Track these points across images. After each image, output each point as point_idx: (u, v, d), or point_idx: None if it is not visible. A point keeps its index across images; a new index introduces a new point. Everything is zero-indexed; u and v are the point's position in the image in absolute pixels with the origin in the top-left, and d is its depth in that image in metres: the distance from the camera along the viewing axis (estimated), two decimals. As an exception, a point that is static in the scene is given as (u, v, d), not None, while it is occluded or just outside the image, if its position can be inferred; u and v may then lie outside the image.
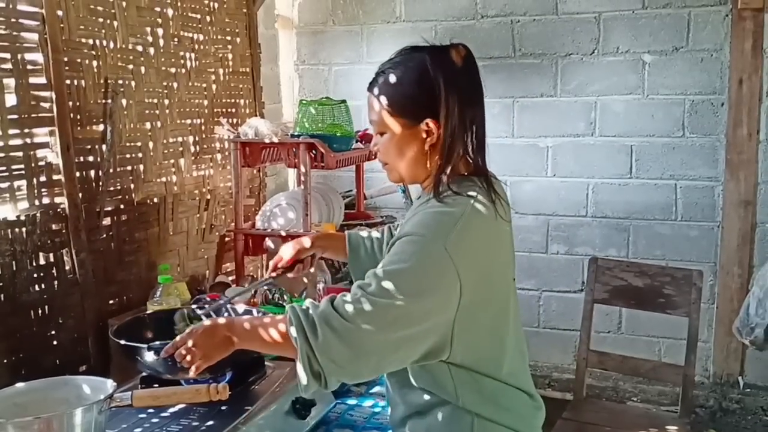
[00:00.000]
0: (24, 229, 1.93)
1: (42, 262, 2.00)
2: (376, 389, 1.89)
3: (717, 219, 3.27)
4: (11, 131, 1.89)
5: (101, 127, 2.20)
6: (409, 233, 1.24)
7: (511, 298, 1.36)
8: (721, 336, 3.25)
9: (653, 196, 3.34)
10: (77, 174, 2.09)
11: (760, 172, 3.17)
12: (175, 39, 2.53)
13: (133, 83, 2.33)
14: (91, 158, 2.17)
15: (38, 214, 1.97)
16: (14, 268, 1.90)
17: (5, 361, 1.87)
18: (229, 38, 2.87)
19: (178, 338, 1.32)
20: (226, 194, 2.85)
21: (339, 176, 3.58)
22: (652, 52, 3.26)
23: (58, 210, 2.04)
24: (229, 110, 2.89)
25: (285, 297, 2.23)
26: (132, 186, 2.35)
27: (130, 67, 2.32)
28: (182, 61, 2.57)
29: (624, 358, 2.60)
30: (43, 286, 1.99)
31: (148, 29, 2.40)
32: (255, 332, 1.27)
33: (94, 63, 2.17)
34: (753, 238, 3.19)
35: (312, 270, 2.24)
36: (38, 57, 1.96)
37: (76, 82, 2.10)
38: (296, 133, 2.60)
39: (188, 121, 2.64)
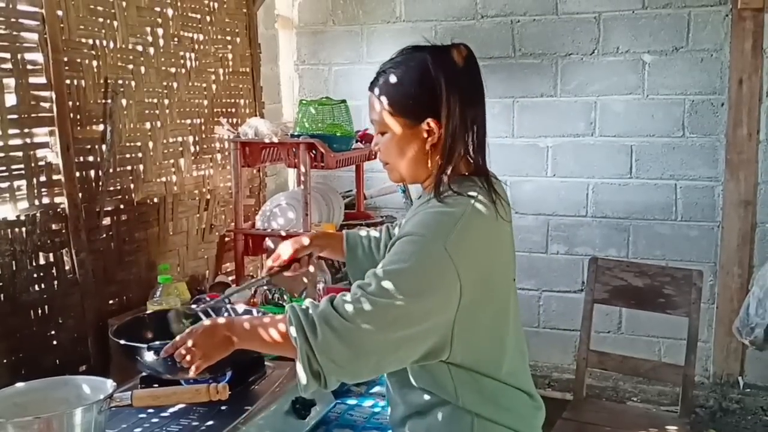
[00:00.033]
0: (24, 229, 1.93)
1: (42, 261, 2.00)
2: (376, 389, 1.89)
3: (717, 219, 3.27)
4: (11, 131, 1.90)
5: (101, 127, 2.20)
6: (410, 233, 1.24)
7: (511, 298, 1.36)
8: (721, 336, 3.25)
9: (653, 196, 3.34)
10: (77, 174, 2.09)
11: (760, 172, 3.17)
12: (175, 39, 2.53)
13: (133, 83, 2.33)
14: (91, 158, 2.17)
15: (38, 214, 1.97)
16: (14, 268, 1.90)
17: (5, 360, 1.87)
18: (229, 38, 2.87)
19: (177, 338, 1.32)
20: (226, 194, 2.85)
21: (339, 176, 3.58)
22: (652, 52, 3.26)
23: (58, 210, 2.04)
24: (229, 110, 2.89)
25: (285, 297, 2.23)
26: (132, 186, 2.35)
27: (130, 67, 2.32)
28: (182, 61, 2.57)
29: (624, 358, 2.60)
30: (42, 286, 1.99)
31: (148, 29, 2.40)
32: (255, 332, 1.27)
33: (94, 63, 2.17)
34: (753, 238, 3.19)
35: (311, 269, 2.24)
36: (38, 57, 1.96)
37: (76, 82, 2.10)
38: (296, 133, 2.60)
39: (188, 121, 2.64)
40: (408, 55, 1.33)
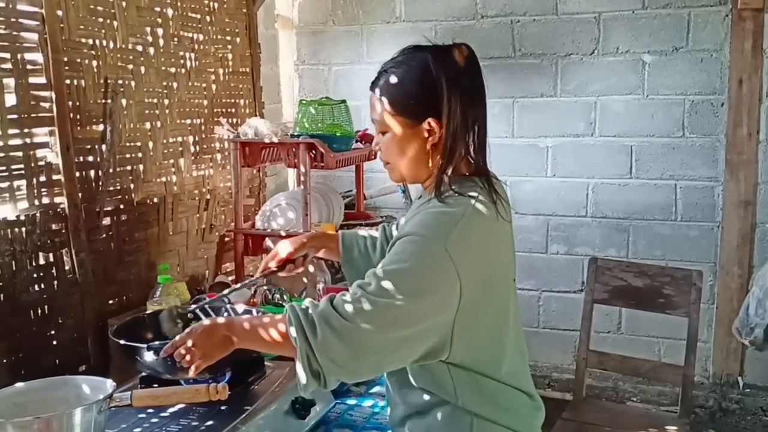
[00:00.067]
0: (24, 229, 1.93)
1: (42, 261, 2.00)
2: (376, 389, 1.89)
3: (717, 219, 3.27)
4: (11, 131, 1.90)
5: (101, 127, 2.20)
6: (410, 233, 1.24)
7: (511, 298, 1.36)
8: (721, 336, 3.25)
9: (653, 196, 3.34)
10: (77, 174, 2.09)
11: (760, 173, 3.17)
12: (175, 39, 2.53)
13: (132, 83, 2.33)
14: (90, 158, 2.17)
15: (38, 214, 1.97)
16: (14, 268, 1.90)
17: (5, 360, 1.87)
18: (229, 38, 2.87)
19: (177, 338, 1.32)
20: (225, 194, 2.85)
21: (339, 176, 3.58)
22: (652, 52, 3.26)
23: (58, 210, 2.04)
24: (229, 110, 2.90)
25: (285, 297, 2.24)
26: (132, 186, 2.35)
27: (130, 67, 2.32)
28: (182, 61, 2.57)
29: (624, 359, 2.60)
30: (42, 286, 1.99)
31: (148, 29, 2.40)
32: (254, 331, 1.27)
33: (94, 63, 2.17)
34: (753, 239, 3.19)
35: (311, 269, 2.24)
36: (38, 57, 1.96)
37: (75, 82, 2.10)
38: (296, 133, 2.60)
39: (188, 121, 2.64)
40: (409, 55, 1.33)
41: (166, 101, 2.50)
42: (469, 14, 3.47)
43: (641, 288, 2.56)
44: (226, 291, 1.69)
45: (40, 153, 1.99)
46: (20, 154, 1.93)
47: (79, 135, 2.11)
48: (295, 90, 3.81)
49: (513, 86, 3.44)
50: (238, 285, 1.68)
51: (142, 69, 2.37)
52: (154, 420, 1.51)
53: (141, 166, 2.38)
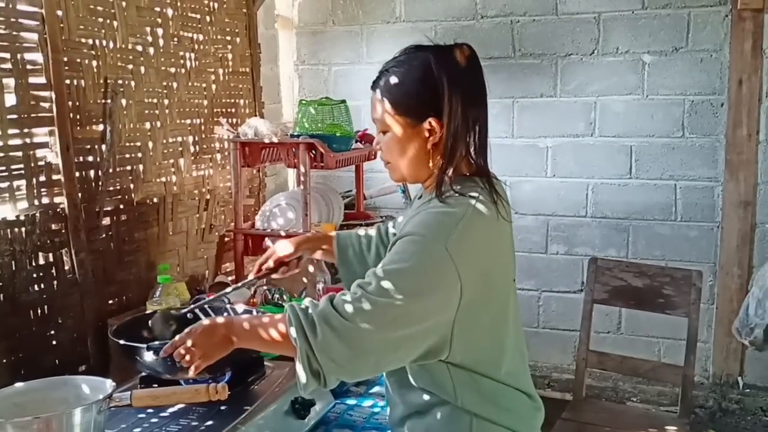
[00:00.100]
0: (23, 229, 1.93)
1: (41, 261, 2.00)
2: (376, 389, 1.89)
3: (716, 219, 3.27)
4: (11, 131, 1.90)
5: (101, 127, 2.20)
6: (411, 233, 1.24)
7: (511, 298, 1.36)
8: (721, 336, 3.26)
9: (653, 196, 3.34)
10: (77, 174, 2.09)
11: (760, 173, 3.17)
12: (175, 39, 2.53)
13: (132, 83, 2.33)
14: (90, 158, 2.17)
15: (38, 214, 1.97)
16: (14, 268, 1.90)
17: (4, 360, 1.87)
18: (228, 38, 2.87)
19: (177, 338, 1.32)
20: (225, 194, 2.85)
21: (339, 176, 3.58)
22: (652, 53, 3.26)
23: (58, 210, 2.04)
24: (229, 110, 2.90)
25: (284, 297, 2.24)
26: (131, 186, 2.35)
27: (130, 67, 2.32)
28: (182, 61, 2.57)
29: (623, 359, 2.60)
30: (42, 286, 1.99)
31: (148, 29, 2.40)
32: (254, 331, 1.27)
33: (94, 63, 2.17)
34: (752, 239, 3.20)
35: (311, 269, 2.24)
36: (38, 57, 1.96)
37: (75, 82, 2.10)
38: (296, 133, 2.60)
39: (188, 121, 2.64)
40: (411, 55, 1.33)
41: (166, 101, 2.50)
42: (469, 14, 3.47)
43: (641, 288, 2.56)
44: (210, 298, 1.68)
45: (39, 153, 1.99)
46: (20, 154, 1.93)
47: (78, 135, 2.11)
48: (294, 90, 3.81)
49: (513, 86, 3.44)
50: (230, 288, 1.67)
51: (142, 69, 2.37)
52: (154, 420, 1.50)
53: (141, 166, 2.38)
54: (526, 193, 3.49)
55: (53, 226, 2.03)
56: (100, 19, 2.19)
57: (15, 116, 1.90)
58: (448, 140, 1.28)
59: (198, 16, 2.66)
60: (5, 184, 1.89)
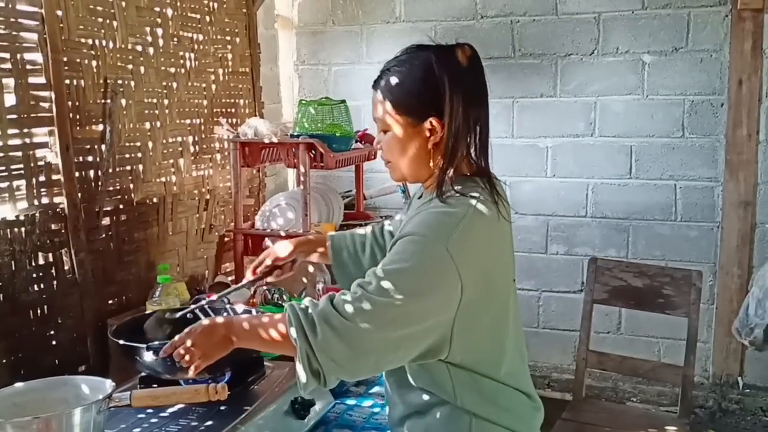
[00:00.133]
0: (23, 229, 1.93)
1: (41, 261, 2.00)
2: (376, 389, 1.89)
3: (716, 219, 3.27)
4: (10, 131, 1.90)
5: (100, 127, 2.20)
6: (411, 233, 1.24)
7: (511, 298, 1.36)
8: (721, 336, 3.25)
9: (653, 196, 3.34)
10: (76, 174, 2.09)
11: (760, 173, 3.17)
12: (175, 39, 2.53)
13: (132, 83, 2.33)
14: (90, 158, 2.17)
15: (37, 214, 1.97)
16: (13, 268, 1.90)
17: (4, 360, 1.87)
18: (228, 38, 2.87)
19: (176, 338, 1.32)
20: (225, 194, 2.85)
21: (338, 176, 3.58)
22: (652, 53, 3.26)
23: (57, 210, 2.04)
24: (229, 110, 2.90)
25: (284, 297, 2.24)
26: (131, 186, 2.35)
27: (130, 67, 2.32)
28: (182, 61, 2.57)
29: (623, 359, 2.60)
30: (42, 286, 1.99)
31: (148, 29, 2.40)
32: (254, 331, 1.27)
33: (94, 63, 2.17)
34: (752, 239, 3.20)
35: (311, 270, 2.24)
36: (38, 57, 1.96)
37: (75, 82, 2.10)
38: (296, 133, 2.60)
39: (188, 121, 2.64)
40: (412, 54, 1.33)
41: (166, 101, 2.50)
42: (469, 14, 3.47)
43: (641, 288, 2.56)
44: (198, 305, 1.66)
45: (39, 153, 1.99)
46: (20, 154, 1.93)
47: (78, 135, 2.11)
48: (294, 90, 3.81)
49: (513, 86, 3.44)
50: (224, 292, 1.66)
51: (142, 69, 2.37)
52: (154, 420, 1.50)
53: (140, 166, 2.38)
54: (526, 193, 3.49)
55: (53, 226, 2.02)
56: (100, 19, 2.19)
57: (15, 116, 1.90)
58: (449, 140, 1.28)
59: (198, 16, 2.66)
60: (5, 184, 1.89)
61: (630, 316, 3.38)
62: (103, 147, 2.20)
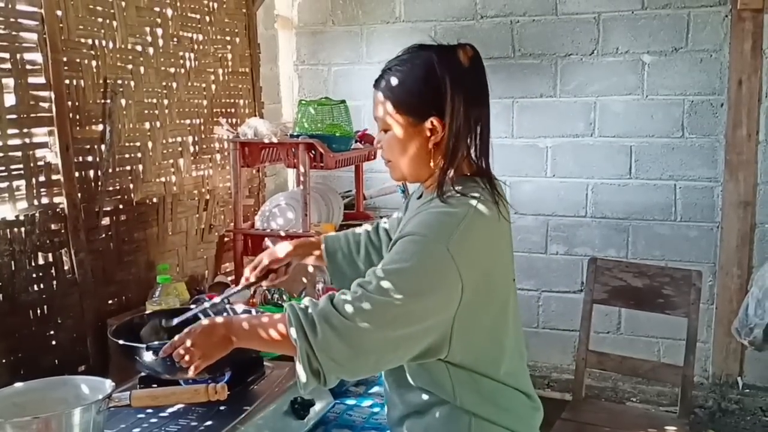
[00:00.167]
0: (23, 229, 1.93)
1: (41, 261, 2.00)
2: (375, 389, 1.89)
3: (716, 219, 3.27)
4: (10, 131, 1.90)
5: (100, 127, 2.20)
6: (411, 233, 1.24)
7: (510, 298, 1.36)
8: (720, 336, 3.25)
9: (652, 196, 3.34)
10: (76, 174, 2.09)
11: (760, 173, 3.17)
12: (175, 39, 2.53)
13: (132, 83, 2.33)
14: (90, 158, 2.17)
15: (37, 214, 1.97)
16: (13, 268, 1.90)
17: (4, 360, 1.87)
18: (228, 38, 2.87)
19: (176, 338, 1.32)
20: (225, 194, 2.85)
21: (338, 176, 3.58)
22: (652, 53, 3.26)
23: (57, 210, 2.04)
24: (229, 110, 2.90)
25: (284, 297, 2.24)
26: (131, 186, 2.35)
27: (130, 67, 2.32)
28: (181, 61, 2.57)
29: (623, 359, 2.60)
30: (42, 286, 1.99)
31: (148, 29, 2.40)
32: (254, 331, 1.27)
33: (94, 63, 2.17)
34: (752, 239, 3.19)
35: (311, 270, 2.24)
36: (37, 57, 1.96)
37: (75, 82, 2.10)
38: (295, 134, 2.60)
39: (187, 121, 2.64)
40: (414, 54, 1.33)
41: (166, 101, 2.50)
42: (469, 14, 3.47)
43: (641, 288, 2.56)
44: (197, 308, 1.65)
45: (39, 153, 1.99)
46: (19, 154, 1.93)
47: (78, 135, 2.11)
48: (294, 90, 3.81)
49: (512, 86, 3.44)
50: (222, 296, 1.66)
51: (142, 69, 2.37)
52: (153, 420, 1.51)
53: (140, 166, 2.39)
54: (526, 193, 3.49)
55: (53, 226, 2.03)
56: (100, 19, 2.19)
57: (14, 116, 1.90)
58: (450, 140, 1.28)
59: (198, 16, 2.66)
60: (5, 184, 1.89)
61: (630, 316, 3.38)
62: (103, 147, 2.20)
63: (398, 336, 1.18)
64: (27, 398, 1.37)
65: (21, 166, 1.93)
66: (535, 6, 3.37)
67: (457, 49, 1.30)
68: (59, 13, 2.03)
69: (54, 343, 2.04)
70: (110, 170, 2.24)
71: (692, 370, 2.44)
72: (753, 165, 3.15)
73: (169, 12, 2.50)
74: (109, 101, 2.21)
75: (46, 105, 1.99)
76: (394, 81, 1.31)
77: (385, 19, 3.60)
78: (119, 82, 2.27)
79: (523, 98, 3.45)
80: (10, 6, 1.88)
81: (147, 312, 1.95)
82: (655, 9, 3.22)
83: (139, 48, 2.35)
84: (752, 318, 2.60)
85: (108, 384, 1.38)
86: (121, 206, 2.30)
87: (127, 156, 2.32)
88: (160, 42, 2.46)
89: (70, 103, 2.07)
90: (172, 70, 2.53)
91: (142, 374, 1.63)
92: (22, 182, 1.94)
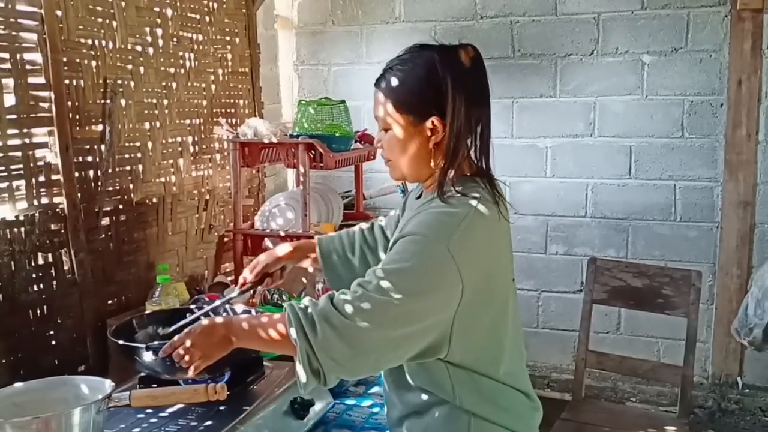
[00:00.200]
0: (23, 229, 1.93)
1: (41, 262, 2.00)
2: (375, 389, 1.89)
3: (716, 219, 3.27)
4: (10, 131, 1.90)
5: (100, 127, 2.20)
6: (412, 233, 1.24)
7: (510, 298, 1.36)
8: (720, 336, 3.26)
9: (652, 196, 3.34)
10: (76, 174, 2.09)
11: (759, 173, 3.17)
12: (175, 39, 2.53)
13: (132, 83, 2.33)
14: (90, 158, 2.17)
15: (37, 214, 1.97)
16: (13, 268, 1.90)
17: (4, 360, 1.87)
18: (228, 38, 2.87)
19: (176, 338, 1.32)
20: (225, 194, 2.85)
21: (338, 176, 3.58)
22: (651, 53, 3.26)
23: (57, 210, 2.04)
24: (229, 110, 2.90)
25: (284, 297, 2.24)
26: (131, 186, 2.35)
27: (129, 67, 2.32)
28: (181, 62, 2.57)
29: (623, 359, 2.60)
30: (41, 286, 1.99)
31: (147, 29, 2.40)
32: (253, 331, 1.27)
33: (93, 63, 2.17)
34: (752, 239, 3.19)
35: (310, 270, 2.23)
36: (37, 57, 1.96)
37: (75, 82, 2.10)
38: (295, 134, 2.60)
39: (187, 122, 2.64)
40: (415, 53, 1.33)
41: (166, 101, 2.50)
42: (469, 14, 3.47)
43: (640, 288, 2.56)
44: (190, 318, 1.65)
45: (39, 153, 1.99)
46: (19, 154, 1.93)
47: (78, 135, 2.11)
48: (294, 90, 3.81)
49: (512, 86, 3.44)
50: (216, 304, 1.66)
51: (142, 69, 2.37)
52: (153, 420, 1.51)
53: (140, 167, 2.38)
54: (526, 193, 3.49)
55: (52, 226, 2.03)
56: (100, 20, 2.19)
57: (14, 116, 1.90)
58: (451, 140, 1.28)
59: (197, 17, 2.66)
60: (5, 185, 1.89)
61: (629, 316, 3.38)
62: (103, 147, 2.20)
63: (398, 335, 1.18)
64: (27, 398, 1.38)
65: (21, 166, 1.93)
66: (534, 6, 3.37)
67: (458, 49, 1.30)
68: (59, 13, 2.03)
69: (54, 343, 2.04)
70: (110, 170, 2.24)
71: (692, 370, 2.44)
72: (753, 165, 3.15)
73: (169, 12, 2.50)
74: (109, 101, 2.21)
75: (45, 105, 1.99)
76: (395, 80, 1.31)
77: (385, 20, 3.60)
78: (119, 82, 2.27)
79: (522, 98, 3.45)
80: (10, 6, 1.88)
81: (147, 312, 1.95)
82: (654, 9, 3.22)
83: (139, 48, 2.35)
84: (752, 318, 2.60)
85: (108, 384, 1.38)
86: (120, 206, 2.30)
87: (126, 156, 2.32)
88: (160, 42, 2.46)
89: (69, 103, 2.07)
90: (172, 70, 2.53)
91: (142, 374, 1.63)
92: (22, 182, 1.94)
